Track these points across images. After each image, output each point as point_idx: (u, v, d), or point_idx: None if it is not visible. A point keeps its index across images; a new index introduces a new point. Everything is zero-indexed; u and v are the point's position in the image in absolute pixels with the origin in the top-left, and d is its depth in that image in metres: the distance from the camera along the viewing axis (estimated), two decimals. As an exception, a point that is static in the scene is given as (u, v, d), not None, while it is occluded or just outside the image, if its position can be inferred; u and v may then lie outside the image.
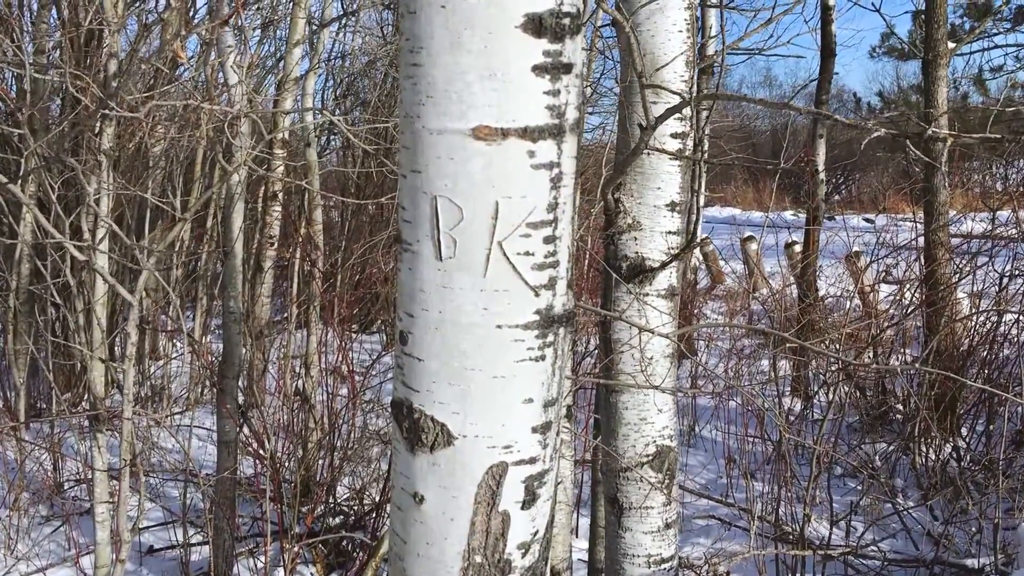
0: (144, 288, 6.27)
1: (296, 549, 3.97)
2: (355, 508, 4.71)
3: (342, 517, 4.72)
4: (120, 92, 2.48)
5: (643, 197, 2.57)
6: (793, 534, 4.12)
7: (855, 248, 7.59)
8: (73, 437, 5.53)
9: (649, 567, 2.63)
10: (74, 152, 5.44)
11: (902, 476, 5.32)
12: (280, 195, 5.90)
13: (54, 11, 6.00)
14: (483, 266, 1.02)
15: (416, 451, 1.08)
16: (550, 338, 1.07)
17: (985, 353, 5.52)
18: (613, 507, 2.68)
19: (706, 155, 2.55)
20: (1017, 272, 5.62)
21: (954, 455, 5.15)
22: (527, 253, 1.03)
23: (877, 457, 5.32)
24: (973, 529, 4.39)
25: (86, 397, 5.91)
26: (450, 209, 1.01)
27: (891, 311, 6.08)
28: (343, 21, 8.13)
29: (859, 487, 5.12)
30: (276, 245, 5.98)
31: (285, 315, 6.22)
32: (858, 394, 5.94)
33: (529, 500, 1.09)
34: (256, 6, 6.74)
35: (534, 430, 1.08)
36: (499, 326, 1.04)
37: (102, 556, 3.16)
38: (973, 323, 5.72)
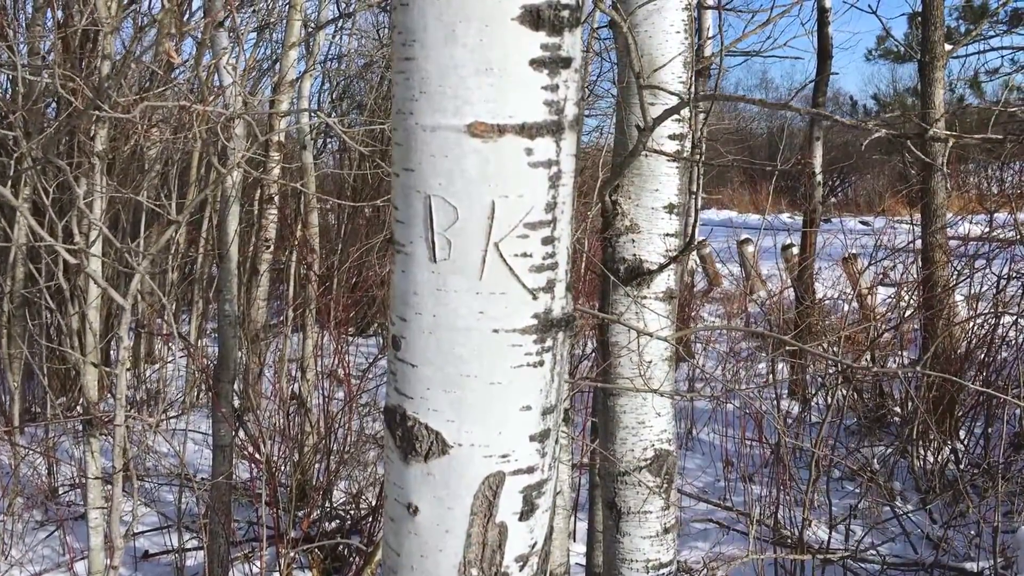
0: (140, 292, 6.25)
1: (292, 554, 3.94)
2: (351, 512, 4.68)
3: (338, 521, 4.69)
4: (112, 93, 2.46)
5: (641, 199, 2.55)
6: (792, 538, 4.10)
7: (852, 250, 7.59)
8: (68, 441, 5.50)
9: (648, 572, 2.61)
10: (69, 155, 5.42)
11: (900, 479, 5.31)
12: (276, 198, 5.87)
13: (49, 13, 5.97)
14: (479, 268, 0.99)
15: (410, 460, 1.04)
16: (548, 343, 1.03)
17: (983, 355, 5.51)
18: (611, 511, 2.66)
19: (703, 157, 2.53)
20: (1015, 274, 5.61)
21: (952, 458, 5.14)
22: (524, 255, 0.99)
23: (875, 460, 5.31)
24: (972, 532, 4.37)
25: (81, 401, 5.88)
26: (444, 209, 0.98)
27: (889, 314, 6.06)
28: (339, 23, 8.11)
29: (857, 490, 5.11)
30: (272, 248, 5.95)
31: (281, 318, 6.19)
32: (856, 397, 5.93)
33: (527, 511, 1.05)
34: (252, 9, 6.72)
35: (532, 438, 1.04)
36: (496, 330, 1.00)
37: (96, 562, 3.13)
38: (971, 326, 5.70)
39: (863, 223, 13.86)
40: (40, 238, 2.22)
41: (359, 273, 7.59)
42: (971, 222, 7.03)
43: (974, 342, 5.62)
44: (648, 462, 2.59)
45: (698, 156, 2.51)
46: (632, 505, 2.61)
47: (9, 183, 5.01)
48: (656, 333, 2.47)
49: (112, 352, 6.71)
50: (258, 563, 4.22)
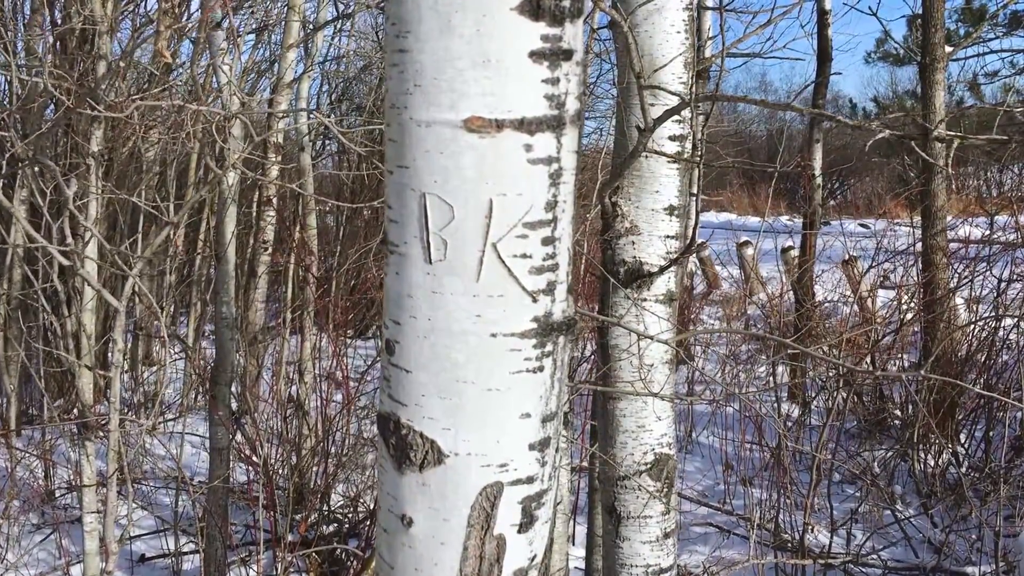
0: (138, 294, 6.22)
1: (289, 558, 3.92)
2: (349, 516, 4.66)
3: (336, 525, 4.67)
4: (105, 93, 2.43)
5: (641, 201, 2.53)
6: (793, 542, 4.07)
7: (852, 253, 7.57)
8: (65, 444, 5.47)
9: (648, 577, 2.58)
10: (67, 156, 5.40)
11: (900, 482, 5.29)
12: (274, 200, 5.86)
13: (47, 14, 5.95)
14: (476, 269, 0.95)
15: (404, 470, 1.00)
16: (549, 347, 1.00)
17: (984, 358, 5.49)
18: (611, 516, 2.63)
19: (704, 159, 2.51)
20: (1016, 277, 5.59)
21: (953, 461, 5.11)
22: (524, 255, 0.96)
23: (876, 463, 5.28)
24: (973, 536, 4.35)
25: (77, 404, 5.85)
26: (440, 208, 0.94)
27: (889, 317, 6.04)
28: (338, 25, 8.09)
29: (857, 493, 5.08)
30: (270, 250, 5.94)
31: (279, 320, 6.17)
32: (856, 400, 5.91)
33: (526, 523, 1.01)
34: (250, 10, 6.71)
35: (531, 447, 1.00)
36: (493, 334, 0.97)
37: (91, 566, 3.11)
38: (972, 328, 5.68)
39: (862, 226, 13.85)
40: (34, 240, 2.20)
41: (358, 275, 7.57)
42: (972, 225, 7.02)
43: (975, 345, 5.60)
44: (648, 466, 2.57)
45: (699, 157, 2.49)
46: (632, 510, 2.58)
47: (2, 184, 4.99)
48: (657, 336, 2.44)
49: (110, 355, 6.68)
50: (255, 567, 4.19)
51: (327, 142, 9.48)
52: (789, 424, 5.60)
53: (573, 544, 4.50)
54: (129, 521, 3.35)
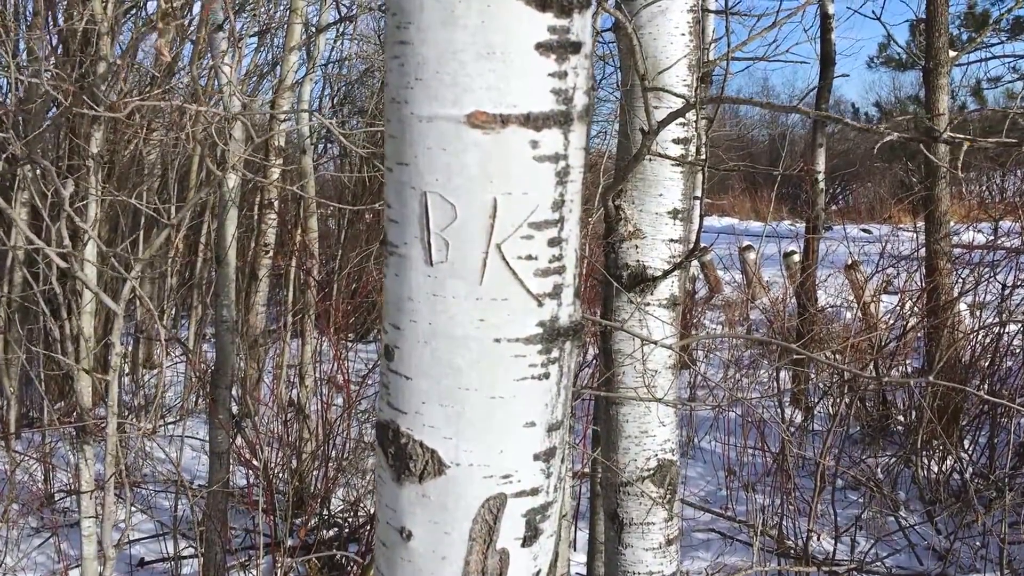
0: (139, 297, 6.21)
1: (289, 562, 3.89)
2: (349, 520, 4.64)
3: (336, 529, 4.64)
4: (101, 93, 2.42)
5: (644, 204, 2.51)
6: (796, 549, 4.04)
7: (855, 258, 7.54)
8: (64, 447, 5.45)
9: (650, 584, 2.56)
10: (68, 158, 5.39)
11: (904, 489, 5.26)
12: (276, 203, 5.85)
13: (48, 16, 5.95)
14: (479, 272, 0.91)
15: (403, 481, 0.96)
16: (555, 353, 0.96)
17: (987, 364, 5.46)
18: (613, 523, 2.61)
19: (708, 162, 2.49)
20: (1020, 283, 5.57)
21: (957, 468, 5.09)
22: (529, 257, 0.92)
23: (879, 470, 5.26)
24: (978, 544, 4.32)
25: (76, 407, 5.84)
26: (442, 207, 0.90)
27: (893, 322, 6.02)
28: (340, 28, 8.08)
29: (861, 500, 5.05)
30: (272, 253, 5.92)
31: (281, 323, 6.16)
32: (859, 405, 5.88)
33: (531, 536, 0.98)
34: (252, 13, 6.70)
35: (536, 457, 0.96)
36: (497, 340, 0.93)
37: (89, 571, 3.08)
38: (976, 334, 5.66)
39: (864, 231, 13.82)
40: (32, 242, 2.18)
41: (359, 278, 7.55)
42: (975, 230, 6.99)
43: (978, 351, 5.58)
44: (651, 472, 2.54)
45: (704, 160, 2.47)
46: (635, 516, 2.56)
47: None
48: (661, 341, 2.42)
49: (110, 358, 6.65)
50: (255, 572, 4.17)
51: (329, 145, 9.47)
52: (792, 429, 5.57)
53: (574, 549, 4.48)
54: (127, 525, 3.32)
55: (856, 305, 7.39)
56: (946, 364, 5.37)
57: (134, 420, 6.15)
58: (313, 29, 5.72)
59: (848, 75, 14.65)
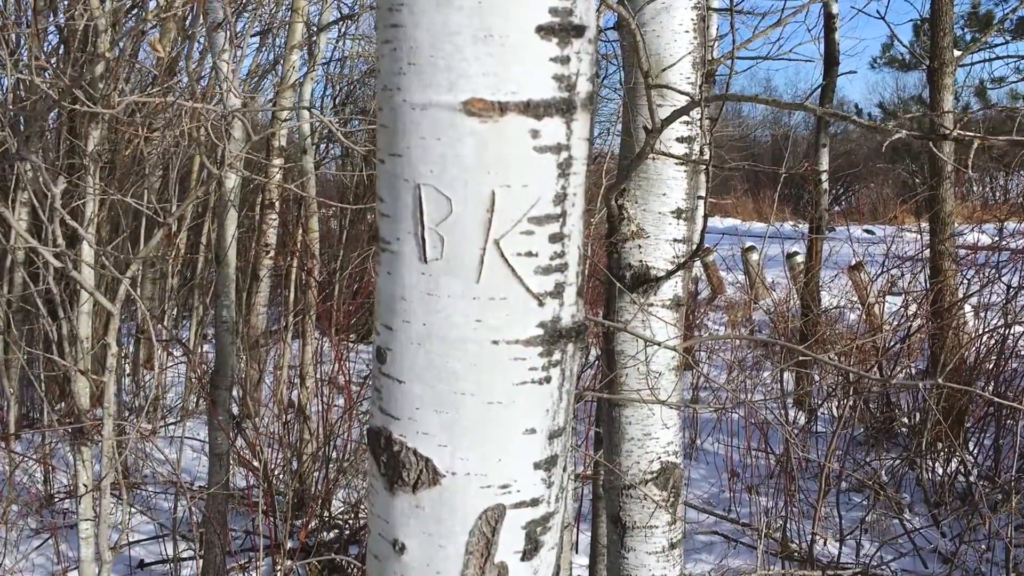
0: (139, 297, 6.18)
1: (289, 565, 3.87)
2: (350, 522, 4.61)
3: (337, 531, 4.62)
4: (102, 92, 2.39)
5: (648, 204, 2.48)
6: (800, 552, 4.01)
7: (858, 258, 7.51)
8: (64, 448, 5.43)
9: (653, 589, 2.53)
10: (68, 157, 5.37)
11: (908, 491, 5.22)
12: (277, 203, 5.82)
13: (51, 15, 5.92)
14: (476, 269, 0.86)
15: (396, 490, 0.91)
16: (556, 356, 0.91)
17: (992, 366, 5.43)
18: (616, 526, 2.58)
19: (712, 161, 2.46)
20: (1024, 284, 5.53)
21: (962, 470, 5.05)
22: (529, 254, 0.87)
23: (883, 472, 5.22)
24: (983, 547, 4.28)
25: (74, 408, 5.82)
26: (437, 200, 0.85)
27: (897, 323, 5.98)
28: (342, 27, 8.06)
29: (864, 502, 5.02)
30: (272, 253, 5.90)
31: (282, 324, 6.13)
32: (862, 407, 5.85)
33: (531, 549, 0.93)
34: (254, 11, 6.68)
35: (537, 466, 0.91)
36: (495, 341, 0.88)
37: (87, 573, 3.06)
38: (981, 336, 5.63)
39: (867, 231, 13.80)
40: (28, 242, 2.16)
41: (360, 279, 7.53)
42: (980, 231, 6.96)
43: (983, 352, 5.54)
44: (654, 475, 2.51)
45: (708, 159, 2.44)
46: (637, 520, 2.53)
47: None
48: (664, 343, 2.39)
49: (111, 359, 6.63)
50: (254, 574, 4.14)
51: (331, 145, 9.46)
52: (795, 431, 5.54)
53: (576, 552, 4.44)
54: (124, 527, 3.30)
55: (860, 306, 7.36)
56: (950, 365, 5.34)
57: (134, 421, 6.13)
58: (315, 28, 5.69)
59: (855, 71, 14.64)
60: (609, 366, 2.55)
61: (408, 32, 0.83)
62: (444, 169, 0.85)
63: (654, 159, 2.44)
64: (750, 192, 21.61)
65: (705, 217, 2.55)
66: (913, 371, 6.17)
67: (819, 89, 7.31)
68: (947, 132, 1.54)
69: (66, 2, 5.47)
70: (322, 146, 9.10)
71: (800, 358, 4.87)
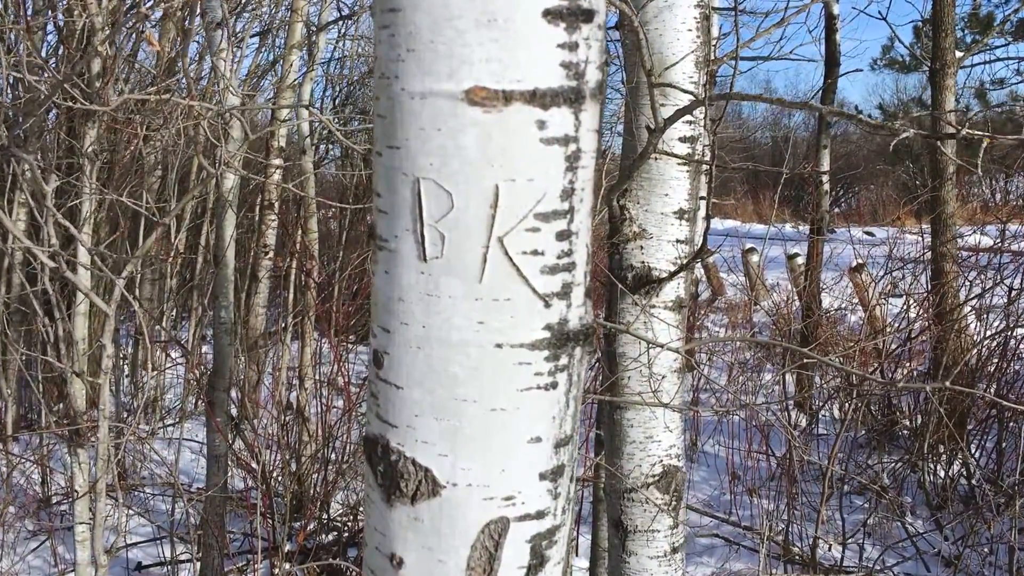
0: (129, 298, 6.15)
1: (287, 567, 3.84)
2: (349, 524, 4.58)
3: (335, 533, 4.59)
4: (99, 90, 2.36)
5: (650, 204, 2.45)
6: (803, 555, 3.98)
7: (859, 260, 7.48)
8: (62, 450, 5.40)
9: (655, 593, 2.50)
10: (66, 157, 5.34)
11: (910, 493, 5.20)
12: (276, 204, 5.80)
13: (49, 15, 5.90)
14: (478, 268, 0.81)
15: (393, 502, 0.86)
16: (563, 360, 0.86)
17: (994, 368, 5.40)
18: (617, 530, 2.55)
19: (715, 161, 2.44)
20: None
21: (964, 472, 5.02)
22: (535, 252, 0.82)
23: (885, 474, 5.20)
24: (986, 551, 4.26)
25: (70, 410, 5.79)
26: (437, 195, 0.80)
27: (899, 325, 5.96)
28: (342, 27, 8.04)
29: (866, 504, 4.99)
30: (272, 254, 5.88)
31: (282, 325, 6.11)
32: (864, 409, 5.82)
33: (536, 564, 0.88)
34: (254, 12, 6.66)
35: (542, 476, 0.87)
36: (499, 345, 0.83)
37: (83, 576, 3.03)
38: (982, 338, 5.60)
39: (867, 233, 13.77)
40: (22, 242, 2.13)
41: (360, 280, 7.50)
42: (982, 233, 6.93)
43: (985, 354, 5.52)
44: (656, 478, 2.48)
45: (712, 159, 2.41)
46: (639, 523, 2.50)
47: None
48: (667, 344, 2.36)
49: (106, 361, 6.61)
50: (252, 576, 4.12)
51: (330, 146, 9.43)
52: (796, 433, 5.51)
53: (576, 555, 4.42)
54: (119, 531, 3.27)
55: (861, 308, 7.33)
56: (953, 367, 5.31)
57: (132, 422, 6.11)
58: (314, 27, 5.68)
59: (861, 70, 14.55)
60: (611, 368, 2.52)
61: (407, 16, 0.79)
62: (445, 162, 0.80)
63: (656, 159, 2.41)
64: (750, 194, 21.60)
65: (708, 218, 2.52)
66: (914, 374, 6.15)
67: (820, 92, 7.29)
68: (956, 130, 1.51)
69: (65, 2, 5.44)
70: (322, 147, 9.09)
71: (805, 361, 4.84)
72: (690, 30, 2.38)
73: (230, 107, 2.57)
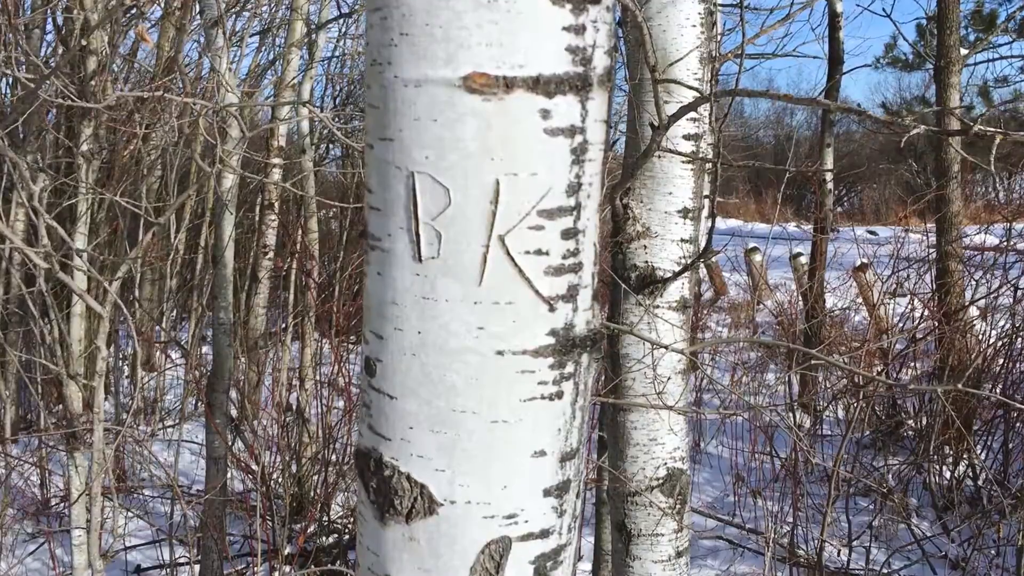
0: (138, 299, 6.12)
1: (287, 570, 3.81)
2: (349, 527, 4.55)
3: (336, 536, 4.56)
4: (95, 88, 2.33)
5: (653, 203, 2.41)
6: (809, 558, 3.94)
7: (863, 259, 7.45)
8: (61, 452, 5.37)
9: (660, 599, 2.46)
10: (67, 157, 5.31)
11: (915, 495, 5.16)
12: (276, 204, 5.77)
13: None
14: (478, 269, 0.76)
15: (387, 520, 0.80)
16: (569, 368, 0.80)
17: (999, 368, 5.36)
18: (621, 534, 2.51)
19: (720, 160, 2.40)
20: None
21: (970, 474, 4.98)
22: (539, 252, 0.76)
23: (890, 475, 5.15)
24: (993, 553, 4.22)
25: (66, 413, 5.77)
26: (433, 191, 0.75)
27: (908, 326, 5.91)
28: (343, 28, 8.02)
29: (871, 506, 4.95)
30: (272, 255, 5.85)
31: (283, 326, 6.08)
32: (869, 410, 5.78)
33: None
34: (254, 11, 6.63)
35: (547, 493, 0.80)
36: (500, 352, 0.77)
37: (79, 581, 2.99)
38: (988, 337, 5.56)
39: (870, 232, 13.73)
40: (13, 241, 2.10)
41: (361, 280, 7.47)
42: (987, 232, 6.89)
43: (991, 354, 5.48)
44: (660, 482, 2.44)
45: (716, 157, 2.37)
46: (643, 527, 2.46)
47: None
48: (672, 346, 2.32)
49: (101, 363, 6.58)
50: (252, 580, 4.09)
51: (331, 147, 9.41)
52: (800, 435, 5.47)
53: (579, 558, 4.38)
54: (116, 534, 3.23)
55: (865, 307, 7.29)
56: (958, 368, 5.27)
57: (131, 424, 6.07)
58: (314, 26, 5.65)
59: (869, 65, 14.42)
60: (614, 370, 2.48)
61: None
62: (441, 155, 0.75)
63: (660, 157, 2.38)
64: (752, 193, 21.56)
65: (713, 217, 2.48)
66: (919, 373, 6.11)
67: (824, 91, 7.24)
68: (968, 127, 1.47)
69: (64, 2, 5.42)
70: (322, 147, 9.06)
71: (812, 362, 4.80)
72: (694, 26, 2.34)
73: (228, 104, 2.54)
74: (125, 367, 6.77)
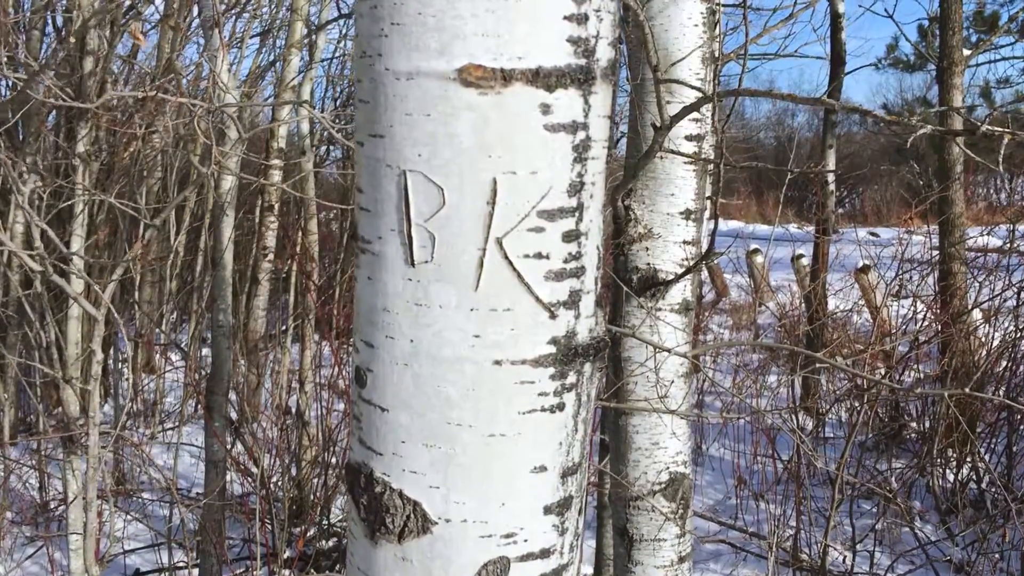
0: (137, 302, 6.09)
1: (287, 573, 3.79)
2: (349, 530, 4.52)
3: (336, 539, 4.54)
4: (93, 88, 2.31)
5: (656, 204, 2.39)
6: (812, 562, 3.91)
7: (865, 261, 7.41)
8: (59, 455, 5.35)
9: (662, 604, 2.44)
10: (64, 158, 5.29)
11: (919, 498, 5.12)
12: (276, 206, 5.76)
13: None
14: (474, 274, 0.71)
15: (379, 539, 0.75)
16: (571, 378, 0.75)
17: (1003, 371, 5.33)
18: (623, 539, 2.49)
19: (722, 160, 2.37)
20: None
21: (973, 477, 4.95)
22: (539, 255, 0.71)
23: (893, 478, 5.12)
24: (997, 556, 4.19)
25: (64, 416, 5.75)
26: (426, 190, 0.69)
27: (913, 328, 5.88)
28: (343, 30, 8.00)
29: (874, 509, 4.92)
30: (272, 257, 5.83)
31: (283, 328, 6.06)
32: (871, 413, 5.75)
33: None
34: (254, 12, 6.61)
35: (547, 510, 0.75)
36: (497, 362, 0.72)
37: (77, 586, 2.97)
38: (991, 339, 5.53)
39: (872, 234, 13.70)
40: (5, 244, 2.07)
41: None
42: (989, 234, 6.86)
43: (994, 356, 5.45)
44: (663, 486, 2.42)
45: (719, 157, 2.35)
46: (645, 532, 2.43)
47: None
48: (675, 349, 2.30)
49: (109, 364, 6.57)
50: (251, 584, 4.06)
51: (332, 149, 9.39)
52: (803, 437, 5.44)
53: (580, 562, 4.35)
54: (113, 538, 3.21)
55: (867, 309, 7.26)
56: (961, 370, 5.24)
57: (130, 427, 6.05)
58: (314, 27, 5.63)
59: (871, 65, 14.37)
60: (616, 373, 2.46)
61: None
62: (435, 152, 0.69)
63: (662, 158, 2.35)
64: (753, 194, 21.53)
65: (716, 218, 2.45)
66: (922, 375, 6.08)
67: (826, 93, 7.22)
68: (976, 126, 1.45)
69: (64, 2, 5.40)
70: (323, 148, 9.04)
71: (816, 365, 4.76)
72: (696, 25, 2.32)
73: (225, 104, 2.52)
74: (125, 369, 6.75)
